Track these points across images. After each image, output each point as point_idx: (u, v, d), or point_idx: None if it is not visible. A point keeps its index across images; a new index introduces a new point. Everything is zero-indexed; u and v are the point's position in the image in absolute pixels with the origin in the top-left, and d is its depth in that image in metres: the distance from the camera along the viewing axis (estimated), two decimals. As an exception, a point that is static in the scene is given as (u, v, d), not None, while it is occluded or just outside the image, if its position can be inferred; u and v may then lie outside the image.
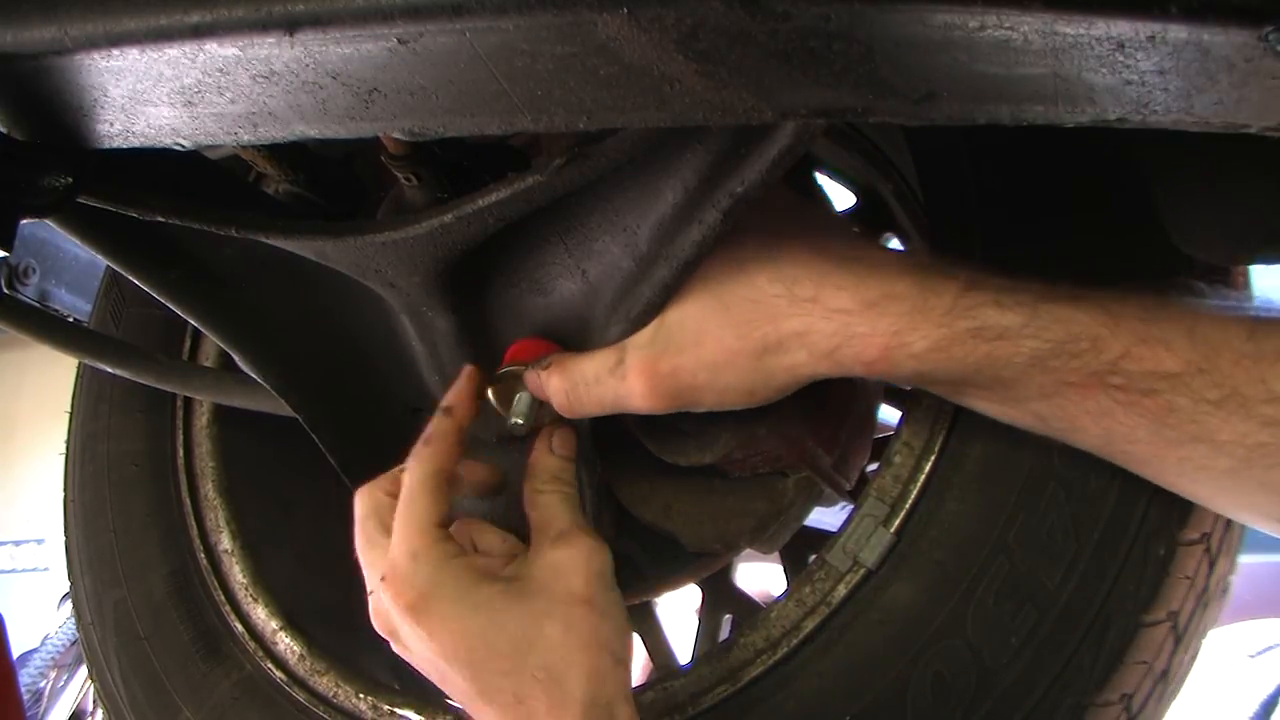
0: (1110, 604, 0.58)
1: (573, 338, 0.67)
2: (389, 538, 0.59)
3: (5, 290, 1.72)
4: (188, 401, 0.96)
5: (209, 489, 0.93)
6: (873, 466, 0.80)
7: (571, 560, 0.58)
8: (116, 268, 0.75)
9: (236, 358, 0.78)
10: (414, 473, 0.60)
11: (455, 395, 0.65)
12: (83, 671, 2.13)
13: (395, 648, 0.61)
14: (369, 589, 0.61)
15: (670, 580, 0.93)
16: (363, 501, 0.64)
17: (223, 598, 0.89)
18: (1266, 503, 0.51)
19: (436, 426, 0.63)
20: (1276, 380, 0.47)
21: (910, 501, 0.64)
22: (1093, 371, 0.50)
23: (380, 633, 0.61)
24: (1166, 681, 0.62)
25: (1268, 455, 0.48)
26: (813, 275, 0.55)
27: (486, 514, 0.71)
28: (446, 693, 0.60)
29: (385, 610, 0.58)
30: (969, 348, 0.52)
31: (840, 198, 1.13)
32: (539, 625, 0.55)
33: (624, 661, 0.57)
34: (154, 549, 0.92)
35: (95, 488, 0.96)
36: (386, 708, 0.80)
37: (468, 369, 0.67)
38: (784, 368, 0.56)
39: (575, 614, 0.56)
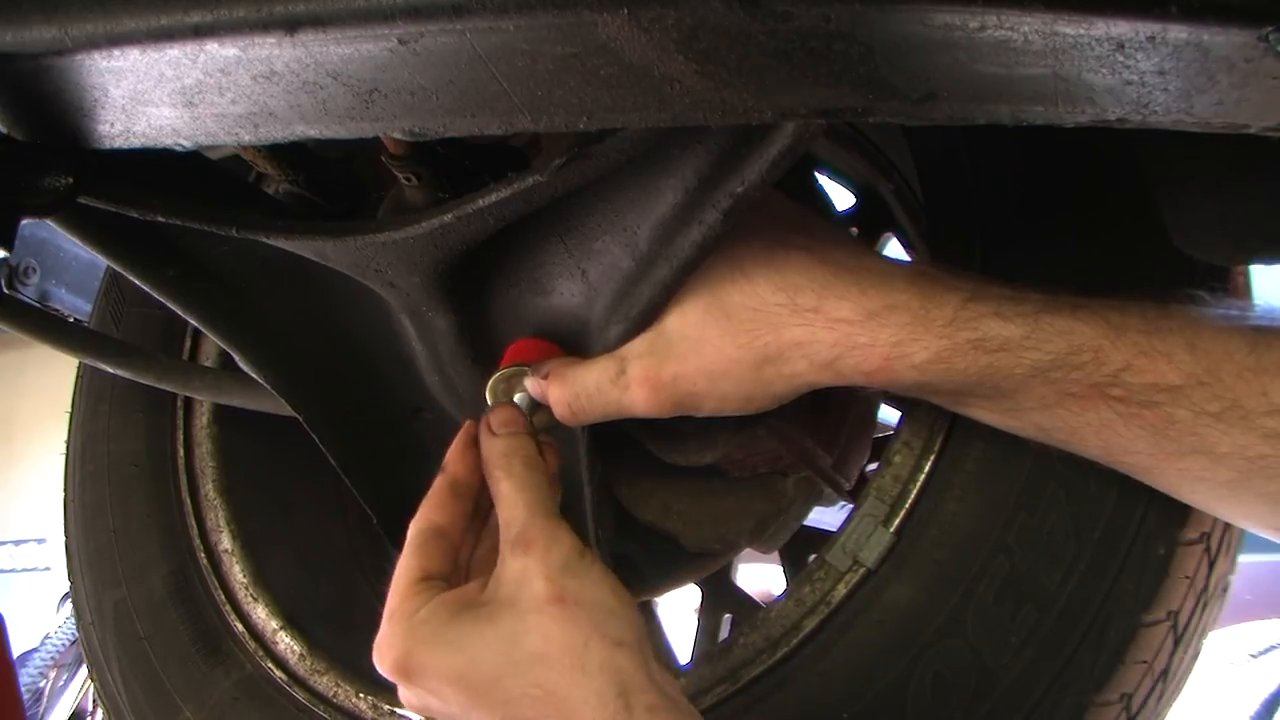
0: (1110, 604, 0.58)
1: (572, 337, 0.67)
2: None
3: (5, 290, 1.72)
4: (188, 401, 0.96)
5: (209, 489, 0.93)
6: (873, 466, 0.81)
7: (529, 565, 0.53)
8: (116, 267, 0.75)
9: (236, 358, 0.78)
10: (409, 532, 0.59)
11: (450, 452, 0.62)
12: (83, 671, 2.13)
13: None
14: None
15: (670, 580, 0.93)
16: None
17: (223, 598, 0.89)
18: (1266, 513, 0.51)
19: (435, 483, 0.61)
20: (1278, 393, 0.47)
21: (910, 501, 0.64)
22: (1094, 383, 0.50)
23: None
24: (1166, 681, 0.62)
25: (1268, 467, 0.48)
26: (815, 285, 0.55)
27: None
28: None
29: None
30: (970, 359, 0.52)
31: (840, 198, 1.12)
32: (518, 643, 0.51)
33: (624, 641, 0.51)
34: (154, 549, 0.92)
35: (95, 488, 0.96)
36: (386, 707, 0.80)
37: (466, 425, 0.64)
38: (783, 377, 0.56)
39: (547, 619, 0.51)
